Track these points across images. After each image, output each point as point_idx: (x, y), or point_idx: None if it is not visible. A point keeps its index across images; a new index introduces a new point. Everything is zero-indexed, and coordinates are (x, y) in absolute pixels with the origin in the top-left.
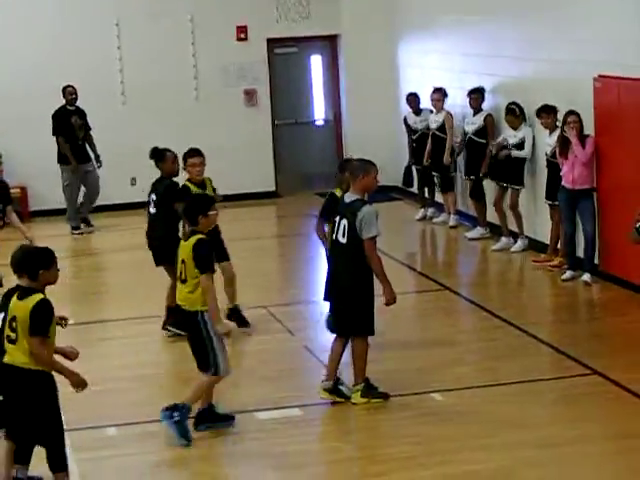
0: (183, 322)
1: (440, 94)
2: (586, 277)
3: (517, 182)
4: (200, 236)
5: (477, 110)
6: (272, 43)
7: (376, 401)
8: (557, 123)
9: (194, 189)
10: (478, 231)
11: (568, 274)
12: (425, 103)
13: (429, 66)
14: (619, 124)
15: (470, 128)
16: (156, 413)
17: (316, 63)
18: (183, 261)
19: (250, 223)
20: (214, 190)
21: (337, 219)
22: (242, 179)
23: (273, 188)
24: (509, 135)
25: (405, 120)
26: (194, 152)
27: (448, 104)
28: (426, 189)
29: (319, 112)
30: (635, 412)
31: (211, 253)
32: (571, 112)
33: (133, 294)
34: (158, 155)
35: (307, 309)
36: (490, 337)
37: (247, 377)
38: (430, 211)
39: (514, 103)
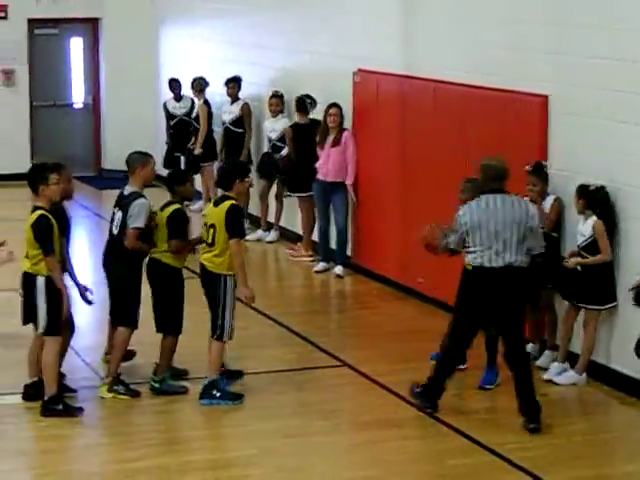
0: (205, 280)
1: (200, 82)
2: (338, 269)
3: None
4: (233, 201)
5: (234, 99)
6: (33, 23)
7: (123, 397)
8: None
9: None
10: None
11: (320, 266)
12: (186, 89)
13: (191, 53)
14: (376, 118)
15: (227, 117)
16: None
17: (77, 46)
18: (212, 225)
19: (4, 205)
20: None
21: (114, 211)
22: None
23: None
24: (269, 129)
25: (165, 105)
26: None
27: (209, 92)
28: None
29: (78, 95)
30: (383, 403)
31: (243, 219)
32: (333, 104)
33: None
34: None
35: None
36: (241, 326)
37: None
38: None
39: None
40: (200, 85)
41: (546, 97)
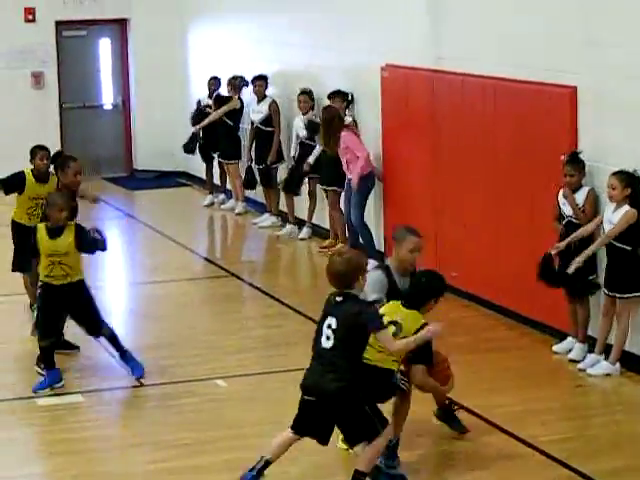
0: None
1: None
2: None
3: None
4: None
5: (261, 98)
6: (61, 25)
7: None
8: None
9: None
10: (269, 219)
11: None
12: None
13: (219, 52)
14: (405, 113)
15: (256, 117)
16: None
17: (105, 47)
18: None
19: None
20: None
21: None
22: (28, 162)
23: None
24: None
25: (199, 103)
26: None
27: None
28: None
29: (107, 96)
30: None
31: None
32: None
33: None
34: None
35: None
36: (275, 324)
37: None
38: (219, 198)
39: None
40: (239, 84)
41: (575, 88)
